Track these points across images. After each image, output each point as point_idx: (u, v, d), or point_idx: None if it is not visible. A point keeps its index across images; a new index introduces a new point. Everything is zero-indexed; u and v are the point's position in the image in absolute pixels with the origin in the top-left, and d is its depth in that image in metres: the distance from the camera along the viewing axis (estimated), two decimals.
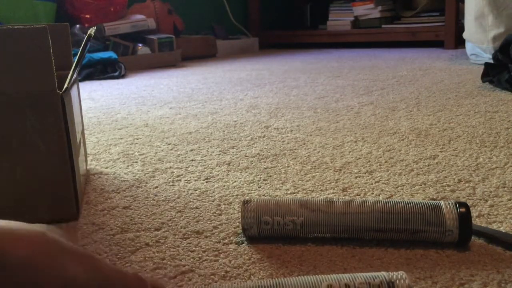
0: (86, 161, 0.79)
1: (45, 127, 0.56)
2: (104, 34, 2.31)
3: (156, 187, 0.71)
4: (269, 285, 0.35)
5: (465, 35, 2.05)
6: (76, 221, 0.59)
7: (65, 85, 0.58)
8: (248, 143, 0.93)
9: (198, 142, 0.95)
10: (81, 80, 1.98)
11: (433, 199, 0.62)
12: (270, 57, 2.83)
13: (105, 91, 1.72)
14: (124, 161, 0.84)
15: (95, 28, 0.69)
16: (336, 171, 0.74)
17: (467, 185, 0.66)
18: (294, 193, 0.66)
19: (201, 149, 0.90)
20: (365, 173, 0.73)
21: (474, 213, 0.57)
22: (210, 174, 0.75)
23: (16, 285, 0.24)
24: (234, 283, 0.37)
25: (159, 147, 0.93)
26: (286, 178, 0.72)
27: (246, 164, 0.80)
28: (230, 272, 0.46)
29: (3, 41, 0.52)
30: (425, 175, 0.71)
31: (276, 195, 0.66)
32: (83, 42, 0.63)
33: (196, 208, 0.62)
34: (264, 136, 0.98)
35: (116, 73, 2.07)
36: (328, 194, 0.66)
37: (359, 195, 0.65)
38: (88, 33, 0.64)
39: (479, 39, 1.91)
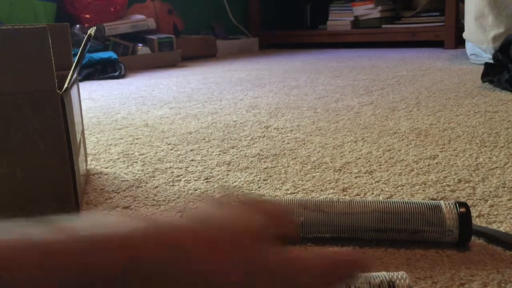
0: (86, 161, 0.79)
1: (45, 127, 0.56)
2: (104, 34, 2.31)
3: (156, 187, 0.71)
4: None
5: (465, 35, 2.05)
6: None
7: (65, 85, 0.58)
8: (248, 143, 0.93)
9: (198, 142, 0.95)
10: (81, 80, 1.98)
11: (433, 199, 0.62)
12: (270, 57, 2.83)
13: (105, 91, 1.72)
14: (124, 161, 0.84)
15: (95, 28, 0.69)
16: (336, 171, 0.74)
17: (467, 185, 0.66)
18: (294, 193, 0.66)
19: (201, 149, 0.90)
20: (365, 173, 0.73)
21: (474, 213, 0.57)
22: (210, 174, 0.75)
23: (204, 276, 0.25)
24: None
25: (159, 147, 0.93)
26: (286, 178, 0.72)
27: (246, 164, 0.80)
28: None
29: (3, 41, 0.52)
30: (425, 175, 0.71)
31: (276, 195, 0.66)
32: (83, 42, 0.63)
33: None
34: (264, 136, 0.98)
35: (116, 73, 2.07)
36: (328, 194, 0.66)
37: (359, 195, 0.65)
38: (88, 33, 0.64)
39: (479, 39, 1.91)
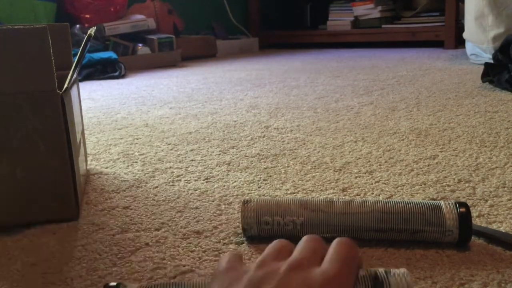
0: (86, 161, 0.79)
1: (45, 127, 0.56)
2: (104, 34, 2.31)
3: (156, 187, 0.71)
4: None
5: (465, 35, 2.05)
6: (76, 221, 0.59)
7: (65, 85, 0.58)
8: (248, 143, 0.93)
9: (198, 142, 0.95)
10: (81, 80, 1.98)
11: (433, 199, 0.62)
12: (270, 57, 2.83)
13: (105, 91, 1.72)
14: (124, 161, 0.84)
15: (95, 28, 0.69)
16: (336, 171, 0.74)
17: (467, 185, 0.66)
18: (294, 193, 0.66)
19: (201, 149, 0.90)
20: (365, 173, 0.73)
21: (474, 213, 0.57)
22: (210, 174, 0.75)
23: None
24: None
25: (159, 147, 0.93)
26: (286, 178, 0.72)
27: (246, 164, 0.80)
28: None
29: (3, 41, 0.52)
30: (425, 175, 0.71)
31: (276, 195, 0.66)
32: (83, 42, 0.63)
33: (196, 208, 0.62)
34: (264, 136, 0.98)
35: (116, 73, 2.07)
36: (328, 194, 0.66)
37: (359, 195, 0.65)
38: (88, 33, 0.64)
39: (479, 39, 1.91)
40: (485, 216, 0.56)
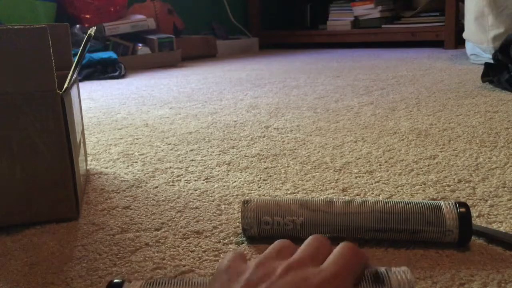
0: (86, 161, 0.79)
1: (45, 127, 0.56)
2: (104, 34, 2.31)
3: (156, 187, 0.71)
4: None
5: (465, 35, 2.05)
6: (76, 221, 0.59)
7: (65, 85, 0.58)
8: (248, 143, 0.93)
9: (198, 142, 0.95)
10: (81, 80, 1.98)
11: (433, 199, 0.62)
12: (270, 57, 2.83)
13: (105, 91, 1.72)
14: (124, 161, 0.84)
15: (95, 28, 0.69)
16: (336, 171, 0.74)
17: (467, 185, 0.66)
18: (294, 193, 0.66)
19: (201, 149, 0.90)
20: (365, 173, 0.73)
21: (474, 213, 0.57)
22: (210, 174, 0.75)
23: None
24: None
25: (159, 147, 0.93)
26: (286, 178, 0.72)
27: (246, 164, 0.80)
28: None
29: (3, 41, 0.52)
30: (425, 175, 0.71)
31: (276, 195, 0.66)
32: (83, 42, 0.63)
33: (196, 208, 0.62)
34: (264, 136, 0.98)
35: (116, 73, 2.07)
36: (328, 194, 0.66)
37: (359, 195, 0.65)
38: (88, 33, 0.64)
39: (479, 39, 1.91)
40: (485, 216, 0.56)
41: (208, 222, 0.58)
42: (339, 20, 3.21)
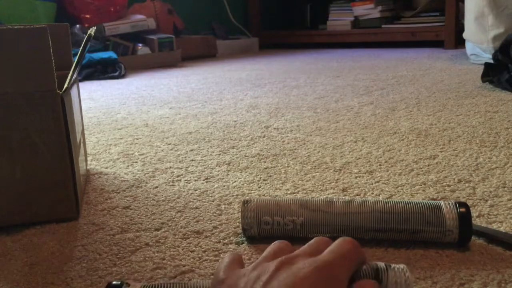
0: (86, 161, 0.79)
1: (45, 127, 0.56)
2: (104, 34, 2.31)
3: (156, 187, 0.71)
4: None
5: (465, 35, 2.05)
6: (76, 221, 0.59)
7: (65, 85, 0.58)
8: (248, 143, 0.93)
9: (198, 142, 0.95)
10: (81, 80, 1.98)
11: (433, 199, 0.62)
12: (270, 57, 2.83)
13: (105, 91, 1.72)
14: (124, 161, 0.84)
15: (95, 28, 0.69)
16: (336, 171, 0.74)
17: (467, 185, 0.66)
18: (294, 193, 0.66)
19: (201, 149, 0.90)
20: (365, 173, 0.73)
21: (474, 213, 0.57)
22: (210, 174, 0.75)
23: None
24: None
25: (159, 147, 0.93)
26: (286, 178, 0.72)
27: (246, 164, 0.80)
28: None
29: (3, 41, 0.52)
30: (425, 175, 0.71)
31: (276, 195, 0.66)
32: (83, 42, 0.63)
33: (196, 208, 0.62)
34: (264, 136, 0.98)
35: (116, 73, 2.07)
36: (328, 194, 0.66)
37: (359, 195, 0.65)
38: (88, 33, 0.64)
39: (479, 39, 1.91)
40: (485, 216, 0.56)
41: (208, 222, 0.58)
42: (339, 20, 3.21)
